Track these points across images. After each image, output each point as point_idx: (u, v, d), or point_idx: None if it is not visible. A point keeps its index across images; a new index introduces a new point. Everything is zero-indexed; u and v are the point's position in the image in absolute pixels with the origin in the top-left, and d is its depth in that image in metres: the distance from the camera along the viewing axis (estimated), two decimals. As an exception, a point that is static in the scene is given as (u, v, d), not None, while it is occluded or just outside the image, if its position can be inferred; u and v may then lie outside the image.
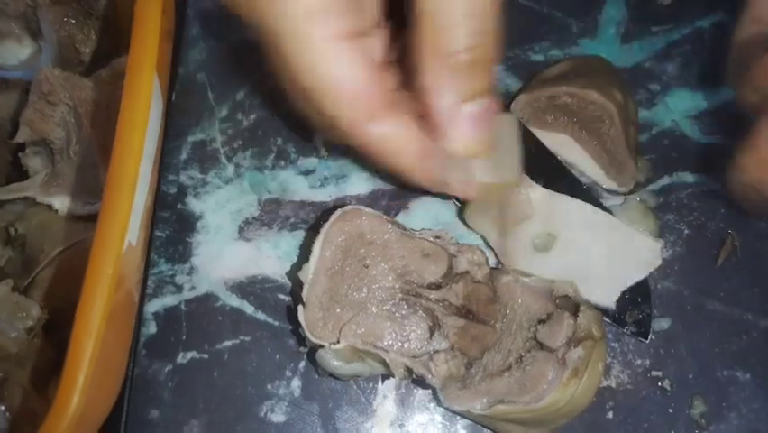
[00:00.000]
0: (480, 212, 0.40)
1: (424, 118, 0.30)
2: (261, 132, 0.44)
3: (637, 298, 0.39)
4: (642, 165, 0.41)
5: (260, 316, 0.41)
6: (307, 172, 0.43)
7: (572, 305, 0.35)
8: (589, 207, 0.39)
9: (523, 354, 0.34)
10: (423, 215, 0.42)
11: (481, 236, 0.41)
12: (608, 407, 0.39)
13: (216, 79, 0.45)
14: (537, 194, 0.39)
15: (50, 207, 0.38)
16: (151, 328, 0.40)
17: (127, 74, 0.32)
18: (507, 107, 0.42)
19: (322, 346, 0.34)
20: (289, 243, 0.42)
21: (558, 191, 0.39)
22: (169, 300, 0.41)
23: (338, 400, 0.39)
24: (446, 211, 0.42)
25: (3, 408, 0.34)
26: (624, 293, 0.39)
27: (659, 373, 0.39)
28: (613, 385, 0.39)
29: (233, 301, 0.41)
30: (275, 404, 0.39)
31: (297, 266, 0.39)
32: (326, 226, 0.36)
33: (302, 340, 0.36)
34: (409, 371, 0.34)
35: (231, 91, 0.45)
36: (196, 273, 0.41)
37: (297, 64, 0.28)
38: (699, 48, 0.45)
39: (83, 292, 0.29)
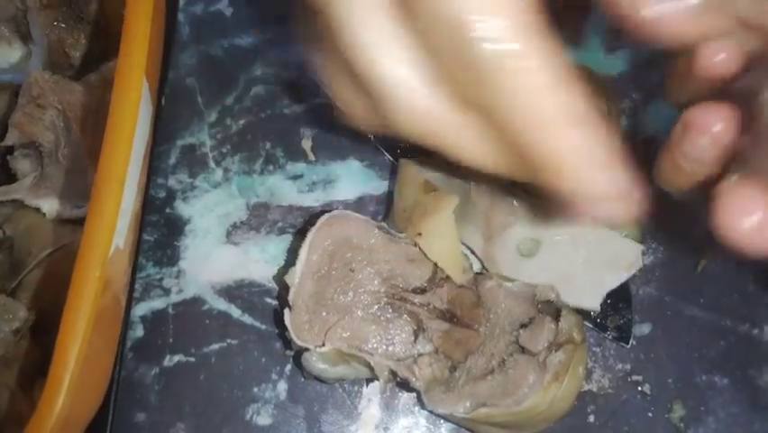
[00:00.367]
0: (464, 220, 0.41)
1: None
2: (250, 136, 0.44)
3: (619, 303, 0.40)
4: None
5: (247, 319, 0.41)
6: (295, 177, 0.44)
7: (554, 309, 0.35)
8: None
9: (505, 357, 0.35)
10: (409, 220, 0.43)
11: (464, 244, 0.41)
12: (588, 411, 0.39)
13: (206, 84, 0.45)
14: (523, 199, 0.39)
15: (38, 209, 0.38)
16: (138, 331, 0.40)
17: (116, 78, 0.32)
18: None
19: (308, 349, 0.34)
20: (277, 247, 0.42)
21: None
22: (156, 304, 0.41)
23: (323, 404, 0.40)
24: (432, 216, 0.43)
25: (-11, 409, 0.34)
26: (606, 298, 0.39)
27: (639, 378, 0.40)
28: (594, 389, 0.40)
29: (221, 305, 0.41)
30: (261, 407, 0.39)
31: (284, 270, 0.39)
32: (313, 231, 0.36)
33: (288, 343, 0.36)
34: (394, 374, 0.34)
35: (220, 96, 0.45)
36: (183, 277, 0.42)
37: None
38: (682, 58, 0.46)
39: (69, 295, 0.29)
